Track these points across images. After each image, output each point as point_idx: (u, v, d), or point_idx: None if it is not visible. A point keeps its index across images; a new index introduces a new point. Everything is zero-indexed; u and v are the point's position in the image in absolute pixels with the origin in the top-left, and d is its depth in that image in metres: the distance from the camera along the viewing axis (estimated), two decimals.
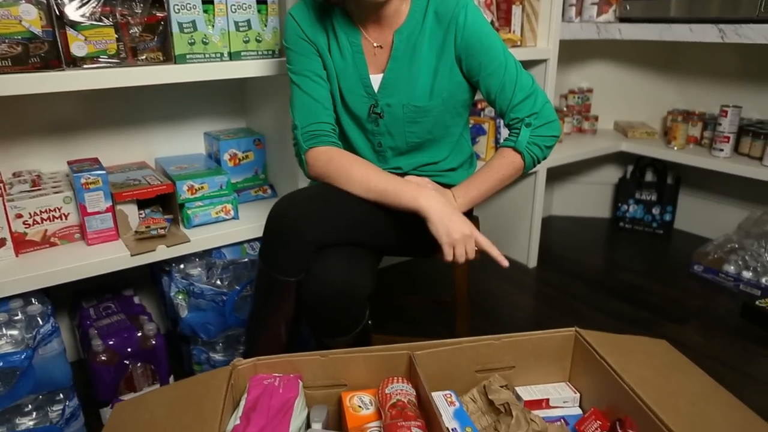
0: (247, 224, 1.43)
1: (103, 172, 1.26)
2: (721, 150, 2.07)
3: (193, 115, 1.63)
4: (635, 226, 2.51)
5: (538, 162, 1.15)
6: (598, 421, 0.95)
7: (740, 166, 1.99)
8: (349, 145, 1.22)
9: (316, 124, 1.14)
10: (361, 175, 1.09)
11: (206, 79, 1.29)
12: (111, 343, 1.27)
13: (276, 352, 1.00)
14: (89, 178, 1.24)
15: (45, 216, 1.25)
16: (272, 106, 1.54)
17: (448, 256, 1.04)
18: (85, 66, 1.15)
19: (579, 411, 1.03)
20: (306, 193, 1.10)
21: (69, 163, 1.33)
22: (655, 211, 2.44)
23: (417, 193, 1.05)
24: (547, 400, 1.03)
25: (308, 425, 0.93)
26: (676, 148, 2.22)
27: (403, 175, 1.20)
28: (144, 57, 1.22)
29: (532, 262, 2.17)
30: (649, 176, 2.44)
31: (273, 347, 1.11)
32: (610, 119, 2.59)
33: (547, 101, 1.13)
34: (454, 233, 1.02)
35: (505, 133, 1.93)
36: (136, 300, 1.48)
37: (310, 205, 1.06)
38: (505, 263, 1.04)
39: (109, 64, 1.17)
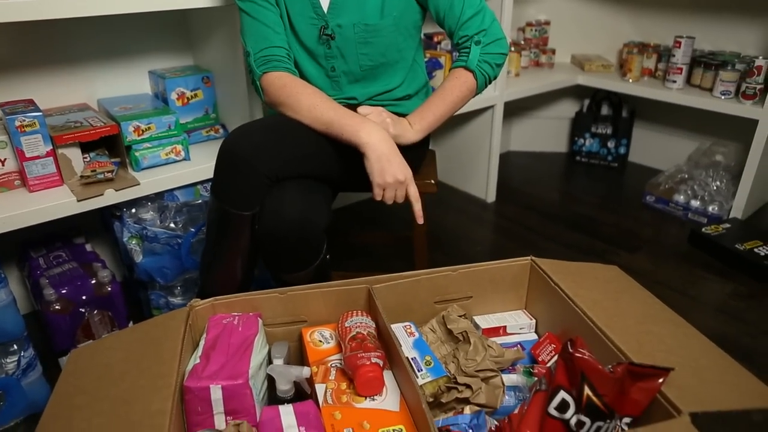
0: (199, 165, 1.38)
1: (40, 113, 1.18)
2: (674, 82, 2.09)
3: (136, 53, 1.53)
4: (591, 159, 2.55)
5: (489, 82, 1.15)
6: (552, 345, 0.99)
7: (692, 97, 2.02)
8: (301, 73, 1.18)
9: (269, 49, 1.10)
10: (309, 103, 1.06)
11: (143, 11, 1.20)
12: (64, 291, 1.24)
13: (232, 290, 0.99)
14: (24, 120, 1.17)
15: None
16: (220, 40, 1.46)
17: (377, 197, 1.05)
18: None
19: (535, 336, 1.07)
20: (259, 124, 1.06)
21: (0, 105, 1.24)
22: (611, 144, 2.48)
23: (360, 127, 1.03)
24: (504, 327, 1.06)
25: (270, 362, 0.94)
26: (631, 80, 2.24)
27: (357, 105, 1.16)
28: None
29: (491, 197, 2.19)
30: (604, 110, 2.47)
31: (229, 284, 1.10)
32: (568, 52, 2.58)
33: (494, 19, 1.12)
34: (387, 176, 1.02)
35: None
36: (89, 247, 1.43)
37: (264, 137, 1.02)
38: (421, 221, 1.08)
39: None
